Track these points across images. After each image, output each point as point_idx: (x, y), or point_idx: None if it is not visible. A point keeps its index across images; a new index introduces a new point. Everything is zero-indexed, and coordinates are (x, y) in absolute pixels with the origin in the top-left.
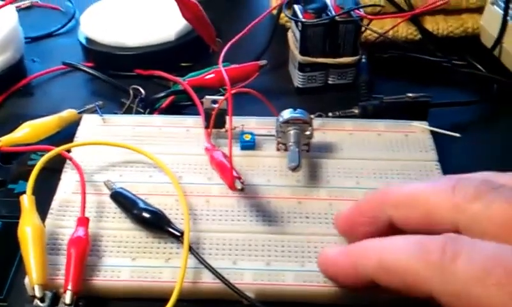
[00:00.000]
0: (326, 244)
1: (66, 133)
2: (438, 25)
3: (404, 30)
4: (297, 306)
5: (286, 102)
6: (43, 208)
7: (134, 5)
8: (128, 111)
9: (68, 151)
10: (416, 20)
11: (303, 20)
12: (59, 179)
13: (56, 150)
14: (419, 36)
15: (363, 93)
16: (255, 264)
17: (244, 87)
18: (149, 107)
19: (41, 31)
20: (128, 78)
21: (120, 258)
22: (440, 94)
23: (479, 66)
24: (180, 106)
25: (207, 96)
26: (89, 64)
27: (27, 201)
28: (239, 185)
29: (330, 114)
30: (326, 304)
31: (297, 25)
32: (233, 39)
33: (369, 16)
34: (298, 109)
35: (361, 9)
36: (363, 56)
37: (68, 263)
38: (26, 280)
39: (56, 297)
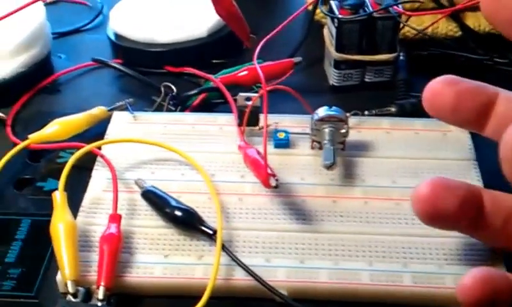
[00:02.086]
0: (360, 242)
1: (96, 131)
2: (479, 21)
3: (444, 27)
4: (330, 304)
5: (321, 101)
6: (74, 205)
7: (165, 0)
8: (159, 109)
9: (99, 148)
10: (456, 16)
11: (339, 16)
12: (88, 177)
13: (87, 147)
14: (460, 32)
15: (401, 91)
16: (288, 262)
17: (278, 84)
18: (180, 104)
19: (68, 26)
20: (158, 76)
21: (152, 255)
22: None
23: None
24: (212, 104)
25: (241, 93)
26: (118, 61)
27: (59, 197)
28: (273, 183)
29: (366, 112)
30: (359, 302)
31: (333, 22)
32: (268, 36)
33: (408, 13)
34: (333, 107)
35: (399, 5)
36: (402, 54)
37: (101, 260)
38: (58, 276)
39: (89, 294)
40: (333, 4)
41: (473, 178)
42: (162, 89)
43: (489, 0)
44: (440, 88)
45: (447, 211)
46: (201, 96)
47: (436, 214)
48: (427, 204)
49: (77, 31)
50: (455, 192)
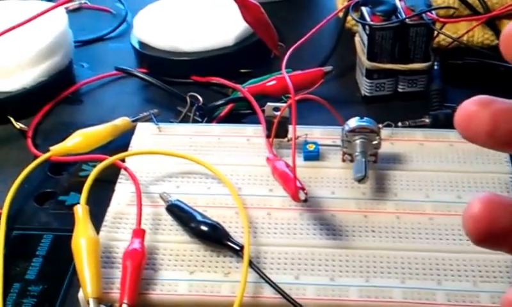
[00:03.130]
0: (392, 258)
1: (120, 143)
2: None
3: (480, 35)
4: None
5: (352, 111)
6: (96, 220)
7: (191, 7)
8: (185, 120)
9: (123, 161)
10: (493, 24)
11: (371, 23)
12: (112, 190)
13: (110, 159)
14: (496, 41)
15: (435, 102)
16: (318, 279)
17: (307, 94)
18: (207, 115)
19: (91, 34)
20: (184, 85)
21: (177, 272)
22: None
23: None
24: (240, 114)
25: (269, 104)
26: (143, 70)
27: (81, 211)
28: (302, 196)
29: (399, 123)
30: None
31: (364, 29)
32: (297, 44)
33: (442, 20)
34: (365, 118)
35: (433, 12)
36: (436, 63)
37: (124, 276)
38: (80, 294)
39: None
40: (365, 11)
41: (510, 191)
42: (188, 99)
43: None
44: (473, 111)
45: (503, 230)
46: (228, 107)
47: (490, 234)
48: (481, 223)
49: (100, 39)
50: (510, 209)
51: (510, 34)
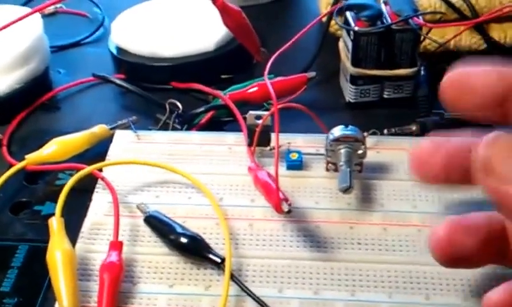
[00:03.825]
0: (379, 272)
1: (97, 151)
2: (505, 33)
3: (468, 39)
4: None
5: (336, 118)
6: (73, 230)
7: (170, 12)
8: (164, 127)
9: (100, 170)
10: (480, 28)
11: (356, 28)
12: (89, 200)
13: (87, 169)
14: (484, 45)
15: (422, 108)
16: (302, 292)
17: (290, 101)
18: (187, 123)
19: (68, 39)
20: (163, 92)
21: (156, 285)
22: None
23: None
24: (221, 122)
25: (251, 112)
26: (121, 76)
27: (56, 224)
28: (285, 208)
29: (385, 131)
30: None
31: (349, 34)
32: (280, 50)
33: (429, 25)
34: (350, 126)
35: (419, 17)
36: (422, 68)
37: (101, 290)
38: None
39: None
40: (349, 16)
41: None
42: (168, 106)
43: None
44: (426, 157)
45: (466, 255)
46: (209, 114)
47: (454, 259)
48: (444, 249)
49: (77, 44)
50: (473, 233)
51: (451, 83)
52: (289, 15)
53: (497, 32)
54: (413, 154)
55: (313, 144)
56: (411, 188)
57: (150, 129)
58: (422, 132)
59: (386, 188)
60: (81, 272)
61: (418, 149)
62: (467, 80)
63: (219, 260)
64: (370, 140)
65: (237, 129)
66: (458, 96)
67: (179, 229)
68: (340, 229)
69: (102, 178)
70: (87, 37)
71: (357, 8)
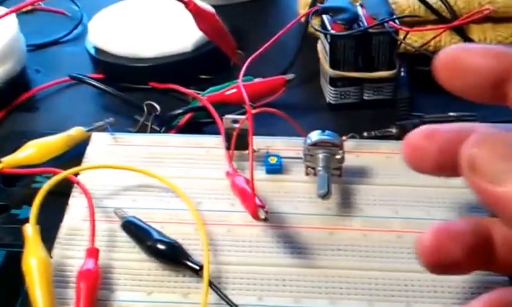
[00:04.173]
0: (359, 279)
1: (74, 153)
2: (485, 34)
3: (448, 40)
4: None
5: (317, 120)
6: (50, 236)
7: (148, 11)
8: (143, 129)
9: (76, 174)
10: (460, 29)
11: (332, 32)
12: (66, 203)
13: (62, 174)
14: None
15: (403, 110)
16: (282, 300)
17: (270, 103)
18: (165, 124)
19: (46, 37)
20: (142, 92)
21: (134, 292)
22: (487, 112)
23: None
24: (200, 123)
25: (227, 116)
26: (99, 76)
27: (30, 230)
28: (262, 215)
29: (365, 134)
30: None
31: (326, 37)
32: (256, 53)
33: (404, 29)
34: (327, 131)
35: (396, 20)
36: (402, 69)
37: (78, 298)
38: None
39: None
40: (325, 19)
41: (480, 207)
42: (145, 108)
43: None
44: (420, 145)
45: (453, 261)
46: (187, 116)
47: (442, 266)
48: (431, 256)
49: (55, 42)
50: (460, 239)
51: (445, 62)
52: (271, 13)
53: (477, 34)
54: (406, 140)
55: (293, 147)
56: (392, 193)
57: (128, 131)
58: (402, 135)
59: (366, 193)
60: (58, 279)
61: (412, 135)
62: (463, 59)
63: (197, 267)
64: (349, 143)
65: (217, 131)
66: (453, 75)
67: (156, 236)
68: (320, 235)
69: (78, 183)
70: (65, 35)
71: (333, 11)
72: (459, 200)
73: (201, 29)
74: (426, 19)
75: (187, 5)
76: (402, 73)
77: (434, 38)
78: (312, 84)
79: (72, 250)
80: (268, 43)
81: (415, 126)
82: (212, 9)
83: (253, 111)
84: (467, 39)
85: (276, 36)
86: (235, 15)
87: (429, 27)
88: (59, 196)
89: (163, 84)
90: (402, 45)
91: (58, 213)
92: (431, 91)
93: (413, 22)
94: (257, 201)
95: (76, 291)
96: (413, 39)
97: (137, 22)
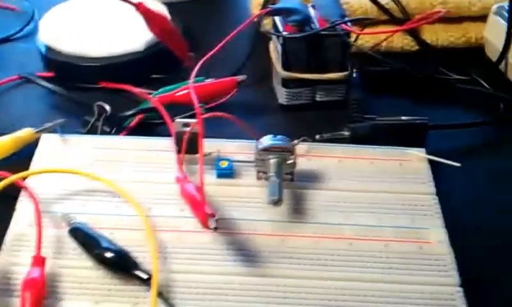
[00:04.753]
0: (311, 288)
1: (23, 155)
2: (437, 35)
3: (400, 40)
4: None
5: (269, 121)
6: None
7: (100, 10)
8: (93, 130)
9: (24, 177)
10: (412, 30)
11: (284, 33)
12: (14, 207)
13: (8, 179)
14: (416, 47)
15: (355, 111)
16: None
17: (223, 104)
18: (116, 125)
19: None
20: (93, 92)
21: (81, 302)
22: (438, 114)
23: (483, 82)
24: (152, 124)
25: (177, 119)
26: (50, 75)
27: None
28: (212, 224)
29: (317, 136)
30: None
31: (278, 39)
32: (208, 54)
33: (356, 31)
34: (279, 135)
35: (348, 23)
36: (355, 71)
37: None
38: None
39: None
40: (277, 20)
41: (433, 214)
42: (96, 108)
43: None
44: None
45: None
46: (138, 117)
47: None
48: None
49: (6, 40)
50: None
51: None
52: (224, 13)
53: (429, 34)
54: None
55: (244, 151)
56: (344, 198)
57: (79, 132)
58: (354, 138)
59: (318, 198)
60: (3, 288)
61: None
62: None
63: (145, 277)
64: (301, 147)
65: (169, 132)
66: None
67: (105, 243)
68: (272, 242)
69: (25, 188)
70: (17, 32)
71: (285, 12)
72: (410, 206)
73: (152, 32)
74: (378, 19)
75: (137, 8)
76: (354, 75)
77: (387, 38)
78: (264, 85)
79: (18, 257)
80: (220, 44)
81: (366, 129)
82: (164, 12)
83: (204, 116)
84: (419, 40)
85: (228, 37)
86: (188, 14)
87: (381, 28)
88: (6, 200)
89: (114, 84)
90: (355, 46)
91: (4, 219)
92: (382, 92)
93: (364, 23)
94: (207, 210)
95: (21, 301)
96: (365, 39)
97: (89, 20)
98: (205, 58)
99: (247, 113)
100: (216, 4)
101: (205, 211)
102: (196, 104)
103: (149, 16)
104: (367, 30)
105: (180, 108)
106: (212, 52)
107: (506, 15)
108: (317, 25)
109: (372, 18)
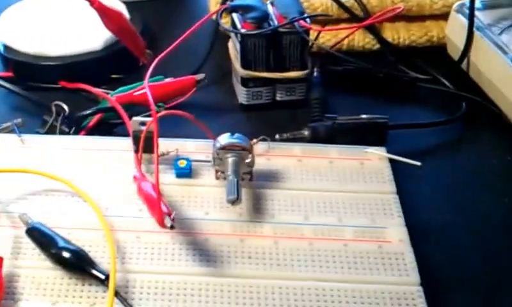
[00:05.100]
0: (270, 288)
1: None
2: (398, 33)
3: (361, 39)
4: None
5: (230, 121)
6: None
7: (58, 9)
8: (51, 130)
9: None
10: (373, 28)
11: (242, 30)
12: None
13: None
14: (377, 45)
15: (316, 111)
16: None
17: (181, 103)
18: (75, 125)
19: None
20: (52, 92)
21: (38, 302)
22: (401, 114)
23: (445, 81)
24: (112, 124)
25: (134, 118)
26: (8, 74)
27: None
28: (168, 223)
29: (277, 136)
30: None
31: (236, 36)
32: (165, 52)
33: (315, 28)
34: (236, 134)
35: (307, 19)
36: (316, 69)
37: None
38: None
39: None
40: (235, 17)
41: (393, 213)
42: (54, 108)
43: None
44: None
45: None
46: (97, 116)
47: None
48: None
49: None
50: None
51: None
52: (182, 10)
53: (390, 33)
54: None
55: (203, 150)
56: (303, 198)
57: (37, 132)
58: (314, 137)
59: (278, 198)
60: None
61: None
62: None
63: (103, 277)
64: (260, 146)
65: (127, 132)
66: None
67: (61, 243)
68: (231, 242)
69: None
70: None
71: (243, 9)
72: (370, 206)
73: (108, 29)
74: (339, 18)
75: (92, 3)
76: (315, 73)
77: (347, 36)
78: (224, 84)
79: None
80: (177, 42)
81: (327, 129)
82: (120, 8)
83: (159, 115)
84: (380, 38)
85: (185, 34)
86: (145, 12)
87: (342, 26)
88: None
89: (72, 84)
90: (315, 44)
91: None
92: (343, 91)
93: (326, 20)
94: (163, 208)
95: None
96: (327, 38)
97: (46, 19)
98: (161, 56)
99: (206, 113)
100: (175, 3)
101: (161, 209)
102: (151, 103)
103: (104, 12)
104: (327, 28)
105: (139, 108)
106: (168, 50)
107: (467, 12)
108: (275, 22)
109: (330, 15)
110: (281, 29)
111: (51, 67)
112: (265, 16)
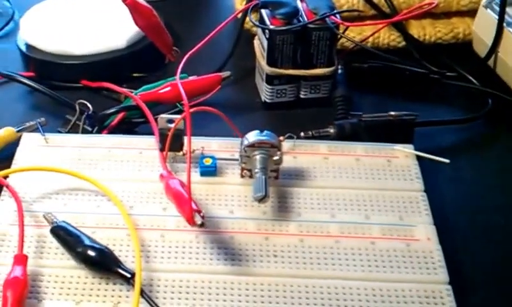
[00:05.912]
0: (296, 287)
1: (3, 155)
2: (424, 30)
3: (386, 36)
4: None
5: (252, 119)
6: None
7: (81, 8)
8: (74, 129)
9: (5, 177)
10: (399, 25)
11: (271, 27)
12: None
13: None
14: (403, 43)
15: (340, 109)
16: None
17: (204, 102)
18: (97, 124)
19: None
20: (74, 91)
21: (62, 301)
22: (427, 111)
23: (471, 78)
24: (134, 123)
25: (162, 115)
26: (30, 74)
27: None
28: (198, 220)
29: (302, 134)
30: None
31: (264, 33)
32: (193, 50)
33: (345, 23)
34: (265, 131)
35: (337, 15)
36: (340, 67)
37: None
38: None
39: None
40: (264, 14)
41: (421, 211)
42: (77, 107)
43: None
44: None
45: None
46: (120, 115)
47: None
48: None
49: None
50: None
51: None
52: (207, 9)
53: (416, 30)
54: None
55: (228, 149)
56: (329, 195)
57: (60, 131)
58: (340, 135)
59: (304, 196)
60: None
61: None
62: None
63: (128, 275)
64: (287, 144)
65: (150, 130)
66: None
67: (87, 242)
68: (256, 240)
69: (7, 186)
70: None
71: (272, 6)
72: (398, 203)
73: (138, 26)
74: (366, 14)
75: (124, 0)
76: (340, 71)
77: (374, 33)
78: (247, 83)
79: None
80: (204, 40)
81: (353, 126)
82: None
83: (191, 110)
84: (406, 35)
85: (212, 33)
86: (170, 11)
87: (369, 22)
88: None
89: (95, 83)
90: (339, 42)
91: None
92: (368, 88)
93: (351, 17)
94: (193, 206)
95: (3, 300)
96: (351, 35)
97: (69, 18)
98: (189, 53)
99: (229, 111)
100: (196, 2)
101: (191, 207)
102: (185, 98)
103: (136, 8)
104: (355, 23)
105: (162, 107)
106: (197, 47)
107: (497, 8)
108: (305, 18)
109: (360, 10)
110: (310, 25)
111: (73, 66)
112: (295, 12)
